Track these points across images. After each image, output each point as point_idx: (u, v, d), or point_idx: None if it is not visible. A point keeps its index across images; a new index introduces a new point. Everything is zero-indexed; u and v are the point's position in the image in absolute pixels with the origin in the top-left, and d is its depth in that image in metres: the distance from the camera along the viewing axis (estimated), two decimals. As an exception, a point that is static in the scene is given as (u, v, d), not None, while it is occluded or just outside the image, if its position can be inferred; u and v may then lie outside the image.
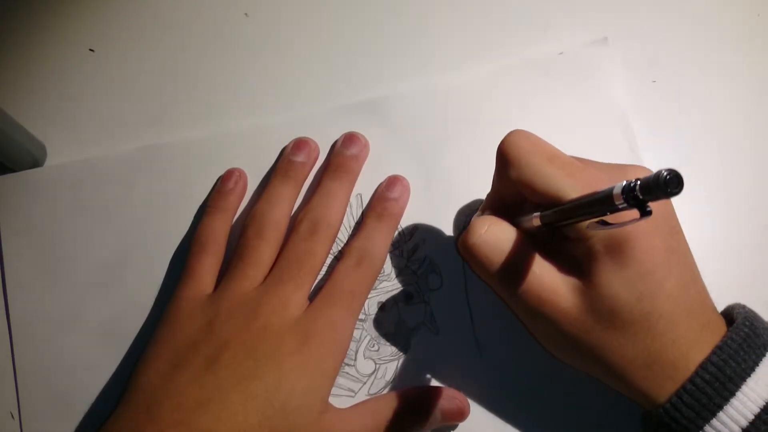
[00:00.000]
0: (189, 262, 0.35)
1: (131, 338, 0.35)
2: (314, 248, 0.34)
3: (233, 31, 0.40)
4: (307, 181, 0.37)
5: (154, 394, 0.30)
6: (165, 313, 0.33)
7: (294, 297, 0.32)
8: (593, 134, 0.36)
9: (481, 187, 0.36)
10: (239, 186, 0.37)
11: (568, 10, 0.39)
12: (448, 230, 0.36)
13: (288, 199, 0.36)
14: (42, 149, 0.39)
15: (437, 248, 0.35)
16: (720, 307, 0.30)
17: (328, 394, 0.31)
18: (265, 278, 0.33)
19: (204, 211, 0.36)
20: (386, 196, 0.36)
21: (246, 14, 0.40)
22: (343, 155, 0.36)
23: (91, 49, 0.40)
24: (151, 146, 0.38)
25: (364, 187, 0.37)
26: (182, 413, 0.29)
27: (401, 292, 0.35)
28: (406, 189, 0.36)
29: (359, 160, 0.37)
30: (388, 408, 0.32)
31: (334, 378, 0.32)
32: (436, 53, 0.39)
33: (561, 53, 0.38)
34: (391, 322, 0.35)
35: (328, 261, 0.35)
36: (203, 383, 0.30)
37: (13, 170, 0.38)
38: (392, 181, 0.36)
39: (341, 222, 0.35)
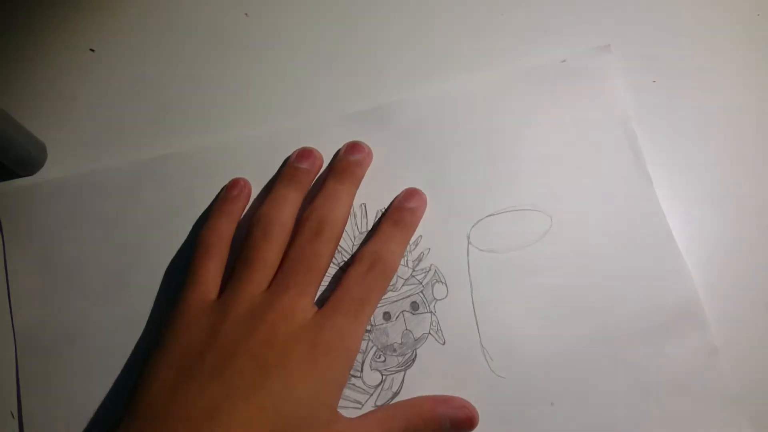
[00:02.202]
0: (193, 265, 0.34)
1: (134, 346, 0.35)
2: (319, 249, 0.33)
3: (233, 31, 0.40)
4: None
5: (162, 405, 0.29)
6: (170, 318, 0.33)
7: (300, 303, 0.32)
8: (597, 140, 0.37)
9: (487, 195, 0.36)
10: (244, 194, 0.36)
11: (571, 17, 0.40)
12: (454, 239, 0.36)
13: (293, 202, 0.35)
14: (42, 149, 0.38)
15: (443, 257, 0.36)
16: (725, 305, 0.30)
17: (337, 403, 0.31)
18: (271, 282, 0.33)
19: (209, 215, 0.36)
20: (403, 206, 0.36)
21: (246, 14, 0.40)
22: (347, 160, 0.36)
23: (91, 49, 0.40)
24: (154, 156, 0.38)
25: (368, 196, 0.36)
26: (191, 425, 0.28)
27: (407, 302, 0.35)
28: (424, 202, 0.36)
29: (363, 165, 0.37)
30: (397, 417, 0.32)
31: (343, 387, 0.32)
32: (440, 60, 0.39)
33: (564, 61, 0.38)
34: (398, 333, 0.35)
35: (333, 271, 0.35)
36: (211, 393, 0.29)
37: (13, 171, 0.37)
38: (411, 192, 0.36)
39: (345, 223, 0.35)
